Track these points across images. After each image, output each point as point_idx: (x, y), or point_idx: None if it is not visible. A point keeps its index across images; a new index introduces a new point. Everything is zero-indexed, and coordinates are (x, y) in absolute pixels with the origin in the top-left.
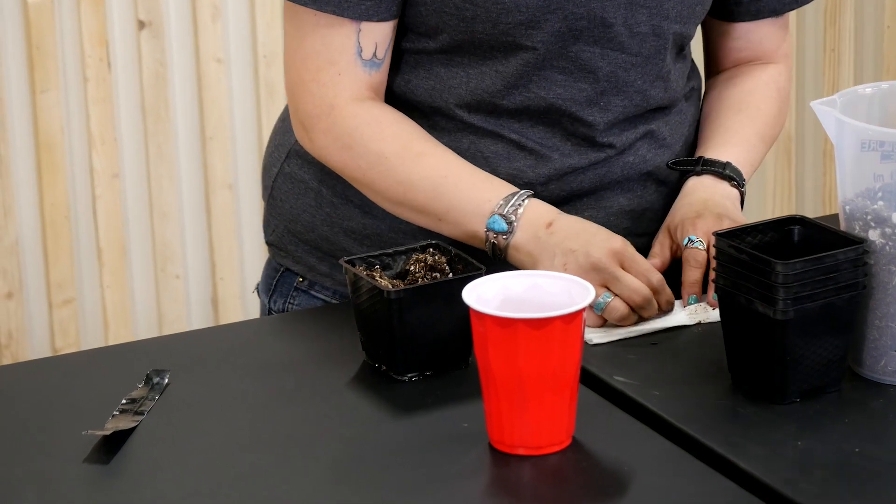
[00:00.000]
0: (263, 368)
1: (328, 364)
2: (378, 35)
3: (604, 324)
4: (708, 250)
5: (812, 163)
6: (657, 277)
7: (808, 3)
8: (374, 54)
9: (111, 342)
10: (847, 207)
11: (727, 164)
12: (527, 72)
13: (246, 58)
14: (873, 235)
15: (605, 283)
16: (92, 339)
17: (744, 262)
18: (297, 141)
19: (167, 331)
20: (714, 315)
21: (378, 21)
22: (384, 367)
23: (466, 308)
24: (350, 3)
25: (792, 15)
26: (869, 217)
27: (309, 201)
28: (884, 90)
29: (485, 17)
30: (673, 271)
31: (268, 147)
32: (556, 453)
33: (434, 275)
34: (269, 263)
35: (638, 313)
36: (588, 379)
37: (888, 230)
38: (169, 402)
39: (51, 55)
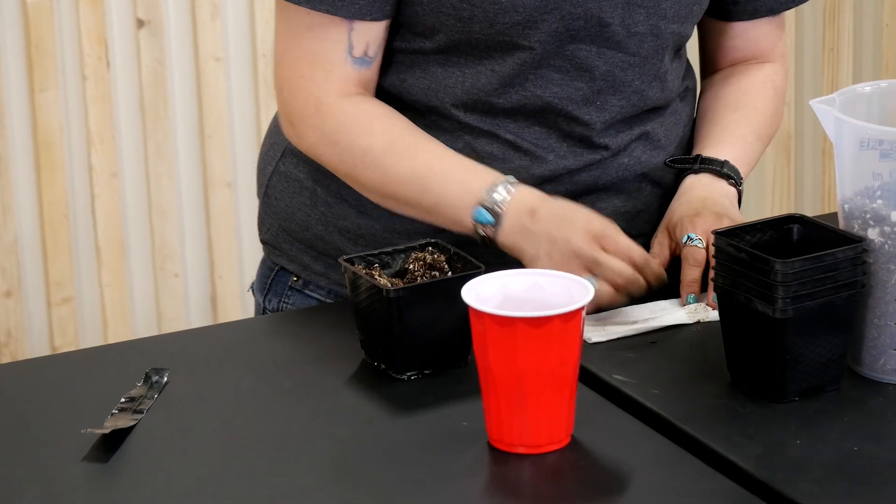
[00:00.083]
0: (263, 367)
1: (327, 363)
2: (370, 34)
3: (598, 309)
4: (707, 249)
5: (811, 161)
6: (638, 252)
7: (804, 1)
8: (365, 53)
9: (110, 340)
10: (846, 206)
11: (725, 163)
12: (523, 71)
13: (245, 56)
14: (872, 234)
15: (588, 268)
16: (91, 338)
17: (743, 261)
18: None
19: (166, 329)
20: (713, 314)
21: (371, 20)
22: (383, 366)
23: (466, 307)
24: (344, 2)
25: (791, 13)
26: (868, 215)
27: (304, 200)
28: (883, 89)
29: (482, 17)
30: (672, 271)
31: (263, 146)
32: (555, 452)
33: (433, 273)
34: (263, 262)
35: (625, 293)
36: (587, 377)
37: (887, 229)
38: (168, 400)
39: (49, 54)
